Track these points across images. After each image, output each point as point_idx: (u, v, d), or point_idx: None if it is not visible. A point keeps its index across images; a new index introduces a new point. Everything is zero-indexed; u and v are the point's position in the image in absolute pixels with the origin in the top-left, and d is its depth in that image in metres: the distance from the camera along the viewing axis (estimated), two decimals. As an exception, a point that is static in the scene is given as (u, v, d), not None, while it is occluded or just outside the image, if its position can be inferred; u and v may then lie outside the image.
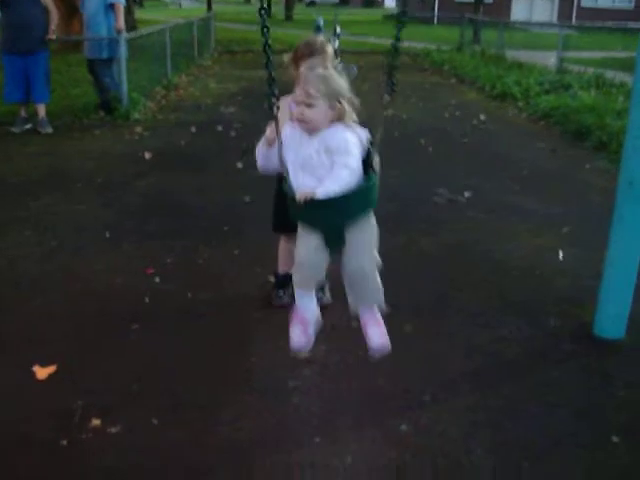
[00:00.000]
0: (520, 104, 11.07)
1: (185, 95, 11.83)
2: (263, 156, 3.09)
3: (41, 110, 8.36)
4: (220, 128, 8.89)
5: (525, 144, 8.42)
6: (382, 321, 2.97)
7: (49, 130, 8.32)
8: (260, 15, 2.85)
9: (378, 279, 2.92)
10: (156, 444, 2.71)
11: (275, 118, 2.88)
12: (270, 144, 3.00)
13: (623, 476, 2.63)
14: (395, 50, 2.88)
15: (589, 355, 3.48)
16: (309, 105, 2.78)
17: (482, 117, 10.09)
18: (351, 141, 2.79)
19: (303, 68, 3.11)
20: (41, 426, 2.81)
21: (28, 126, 8.41)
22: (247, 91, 12.20)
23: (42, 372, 3.19)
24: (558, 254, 4.74)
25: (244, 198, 5.81)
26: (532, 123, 9.93)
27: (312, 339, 2.99)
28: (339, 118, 2.82)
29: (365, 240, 2.88)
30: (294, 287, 3.01)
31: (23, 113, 8.43)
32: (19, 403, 2.99)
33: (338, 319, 3.54)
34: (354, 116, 2.87)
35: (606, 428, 2.87)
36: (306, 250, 2.89)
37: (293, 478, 2.58)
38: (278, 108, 2.87)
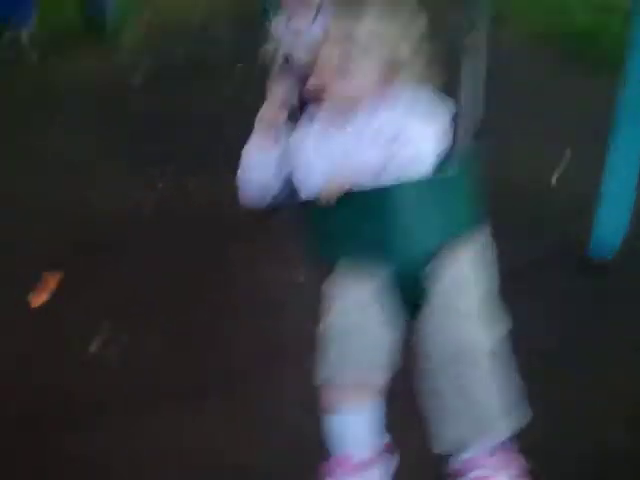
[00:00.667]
0: (520, 19, 10.72)
1: (178, 10, 11.48)
2: (257, 163, 1.90)
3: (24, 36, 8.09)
4: (215, 48, 8.58)
5: (525, 60, 8.15)
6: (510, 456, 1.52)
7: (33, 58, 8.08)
8: None
9: (504, 378, 1.52)
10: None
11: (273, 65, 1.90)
12: (272, 136, 1.84)
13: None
14: None
15: (581, 272, 3.55)
16: (348, 62, 1.65)
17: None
18: (419, 125, 1.70)
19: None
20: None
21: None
22: (244, 6, 11.83)
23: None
24: (555, 172, 4.69)
25: (239, 120, 5.66)
26: (533, 39, 9.62)
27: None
28: (398, 85, 1.72)
29: (472, 287, 1.62)
30: (330, 400, 1.59)
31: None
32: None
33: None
34: (424, 78, 1.76)
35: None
36: (350, 311, 1.55)
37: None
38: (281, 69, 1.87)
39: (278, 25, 3.13)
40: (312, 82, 1.68)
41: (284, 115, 1.81)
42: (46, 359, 2.88)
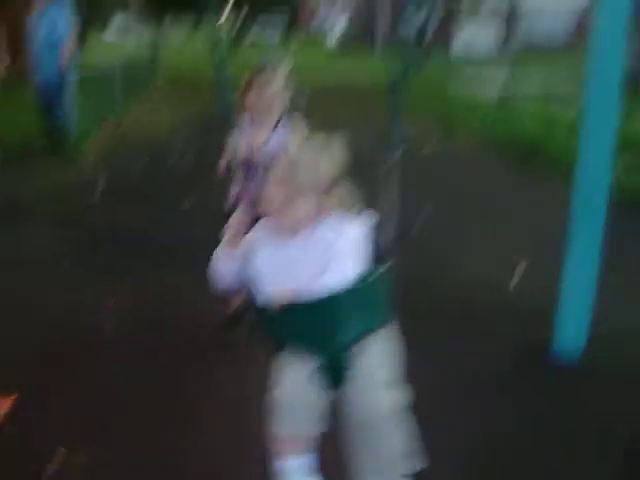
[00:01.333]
0: (469, 125, 11.16)
1: (137, 124, 11.71)
2: (225, 262, 2.22)
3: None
4: (171, 159, 8.77)
5: (476, 166, 8.49)
6: None
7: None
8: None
9: (398, 435, 2.00)
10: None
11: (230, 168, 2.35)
12: (236, 241, 2.18)
13: None
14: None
15: (549, 378, 3.49)
16: (290, 200, 2.02)
17: (432, 138, 10.15)
18: (345, 237, 2.06)
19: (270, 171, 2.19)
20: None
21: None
22: (199, 118, 12.11)
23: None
24: (515, 276, 4.74)
25: (196, 227, 5.71)
26: (482, 144, 10.03)
27: None
28: (329, 210, 2.08)
29: (382, 367, 2.06)
30: (275, 454, 2.14)
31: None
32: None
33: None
34: (348, 201, 2.11)
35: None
36: (292, 385, 2.03)
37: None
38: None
39: (237, 136, 3.23)
40: (261, 210, 2.09)
41: (245, 229, 2.17)
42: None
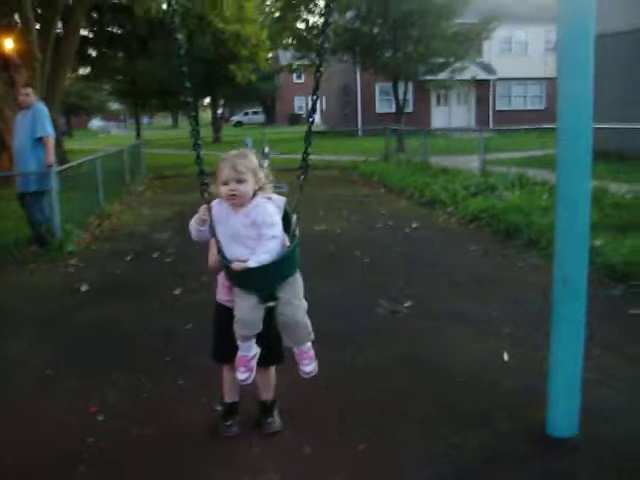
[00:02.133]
0: (449, 209, 11.36)
1: (119, 223, 11.81)
2: (196, 231, 3.49)
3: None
4: (155, 255, 8.86)
5: (458, 248, 8.59)
6: (312, 351, 3.49)
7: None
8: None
9: (308, 322, 3.39)
10: None
11: (207, 200, 3.38)
12: (202, 223, 3.43)
13: None
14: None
15: (545, 456, 3.45)
16: (240, 181, 3.27)
17: (414, 225, 10.31)
18: (273, 213, 3.32)
19: (223, 156, 3.46)
20: None
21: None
22: (179, 215, 12.23)
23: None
24: (502, 356, 4.78)
25: (184, 325, 5.73)
26: (462, 226, 10.18)
27: (254, 369, 3.48)
28: (260, 190, 3.36)
29: (295, 293, 3.36)
30: (236, 339, 3.39)
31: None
32: None
33: (290, 445, 3.48)
34: (270, 186, 3.43)
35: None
36: (245, 309, 3.31)
37: None
38: (209, 193, 3.38)
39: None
40: (226, 190, 3.30)
41: (207, 214, 3.39)
42: None
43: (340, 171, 19.40)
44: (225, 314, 3.52)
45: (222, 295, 3.63)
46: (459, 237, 9.40)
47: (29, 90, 9.10)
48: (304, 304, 3.39)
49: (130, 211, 13.24)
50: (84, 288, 7.22)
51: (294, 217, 3.39)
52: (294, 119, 63.29)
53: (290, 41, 30.60)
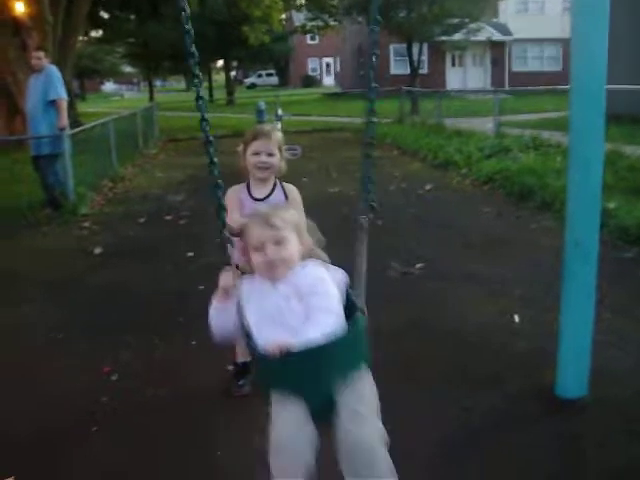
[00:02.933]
0: (463, 171, 11.30)
1: (132, 186, 11.84)
2: (218, 317, 2.46)
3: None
4: (169, 217, 8.89)
5: (471, 210, 8.56)
6: None
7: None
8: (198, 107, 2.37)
9: (388, 456, 2.15)
10: None
11: (228, 260, 2.41)
12: (226, 299, 2.43)
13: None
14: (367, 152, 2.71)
15: (554, 417, 3.47)
16: (278, 242, 2.36)
17: (427, 187, 10.27)
18: (328, 279, 2.39)
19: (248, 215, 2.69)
20: None
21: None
22: (193, 178, 12.25)
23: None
24: (513, 318, 4.78)
25: (198, 287, 5.76)
26: (476, 188, 10.14)
27: None
28: (307, 254, 2.48)
29: (364, 403, 2.23)
30: (272, 475, 2.20)
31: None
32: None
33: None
34: (323, 254, 2.59)
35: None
36: (286, 426, 2.17)
37: None
38: (232, 245, 2.43)
39: (233, 196, 3.35)
40: (260, 259, 2.39)
41: (235, 281, 2.42)
42: None
43: (353, 133, 19.28)
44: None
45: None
46: (472, 199, 9.37)
47: (41, 53, 9.09)
48: (379, 425, 2.22)
49: (143, 174, 13.26)
50: (97, 251, 7.26)
51: (361, 285, 2.58)
52: (308, 81, 62.87)
53: (303, 1, 30.28)
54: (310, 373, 2.18)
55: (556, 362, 3.68)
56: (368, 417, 2.19)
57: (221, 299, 2.44)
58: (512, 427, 3.42)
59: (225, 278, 2.42)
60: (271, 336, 2.22)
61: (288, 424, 2.16)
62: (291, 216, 2.47)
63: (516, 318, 4.78)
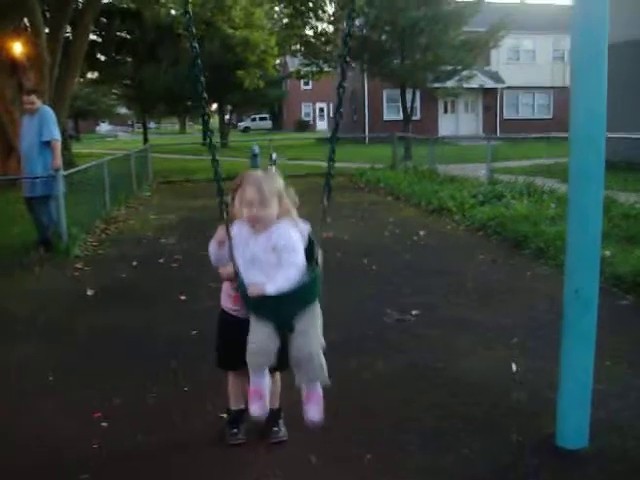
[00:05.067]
0: (457, 217, 11.32)
1: (125, 228, 11.80)
2: (215, 254, 3.31)
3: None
4: (162, 260, 8.83)
5: (466, 256, 8.54)
6: (322, 397, 3.30)
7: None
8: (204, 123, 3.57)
9: (323, 360, 3.20)
10: None
11: (226, 219, 3.18)
12: (221, 244, 3.23)
13: None
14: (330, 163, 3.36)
15: (554, 468, 3.41)
16: (262, 204, 3.08)
17: (421, 233, 10.26)
18: (296, 238, 3.14)
19: (245, 174, 3.29)
20: None
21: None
22: (187, 221, 12.24)
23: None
24: (511, 366, 4.73)
25: (190, 332, 5.70)
26: (470, 235, 10.14)
27: (268, 404, 3.36)
28: (284, 214, 3.17)
29: (313, 326, 3.18)
30: (249, 368, 3.27)
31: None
32: None
33: (296, 455, 3.44)
34: (295, 212, 3.24)
35: None
36: (259, 337, 3.17)
37: None
38: (227, 212, 3.19)
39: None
40: (248, 214, 3.14)
41: (225, 234, 3.23)
42: None
43: (347, 178, 19.36)
44: (230, 321, 3.53)
45: (227, 303, 3.61)
46: (467, 245, 9.36)
47: (33, 97, 9.09)
48: (321, 339, 3.21)
49: (136, 216, 13.23)
50: (90, 292, 7.20)
51: (317, 246, 3.23)
52: (301, 125, 63.36)
53: (298, 47, 30.68)
54: (278, 309, 3.11)
55: (556, 412, 3.63)
56: (313, 336, 3.16)
57: (217, 244, 3.26)
58: (511, 478, 3.36)
59: (220, 232, 3.23)
60: (252, 277, 3.14)
61: (261, 335, 3.16)
62: (277, 184, 3.18)
63: (514, 367, 4.73)
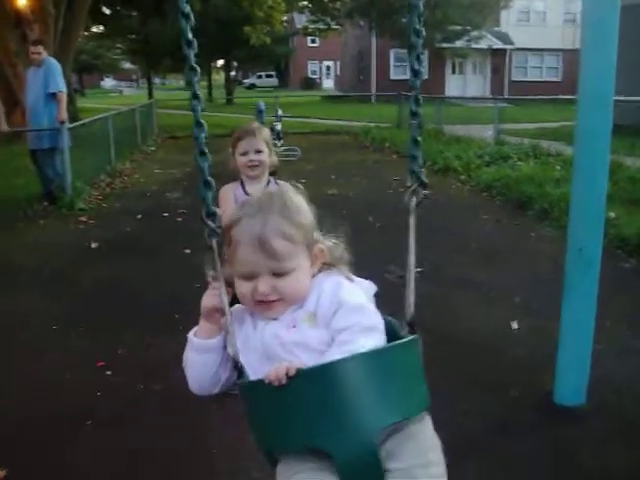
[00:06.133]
0: (462, 177, 11.29)
1: (130, 182, 11.80)
2: (198, 357, 1.72)
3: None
4: (166, 214, 8.84)
5: (470, 216, 8.54)
6: None
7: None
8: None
9: None
10: None
11: (216, 271, 1.75)
12: (212, 321, 1.71)
13: None
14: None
15: (552, 425, 3.45)
16: (279, 274, 1.58)
17: (426, 192, 10.22)
18: (358, 293, 1.67)
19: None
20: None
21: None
22: (191, 175, 12.19)
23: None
24: (512, 325, 4.76)
25: (194, 284, 5.72)
26: (475, 195, 10.12)
27: None
28: (323, 265, 1.70)
29: (425, 459, 1.55)
30: None
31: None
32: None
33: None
34: (344, 257, 1.76)
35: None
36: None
37: None
38: (221, 259, 1.76)
39: (227, 191, 3.35)
40: (251, 295, 1.61)
41: (222, 304, 1.68)
42: None
43: (353, 136, 19.27)
44: None
45: None
46: (471, 205, 9.35)
47: (40, 47, 9.04)
48: None
49: (141, 170, 13.22)
50: (94, 245, 7.22)
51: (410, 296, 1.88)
52: (307, 83, 62.88)
53: (306, 3, 30.31)
54: (331, 405, 1.41)
55: (555, 370, 3.67)
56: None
57: (203, 331, 1.71)
58: (510, 433, 3.40)
59: (210, 298, 1.71)
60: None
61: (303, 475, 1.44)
62: (303, 221, 1.63)
63: (515, 325, 4.76)
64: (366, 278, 1.80)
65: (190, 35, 1.74)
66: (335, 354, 1.45)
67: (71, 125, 9.80)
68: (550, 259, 6.19)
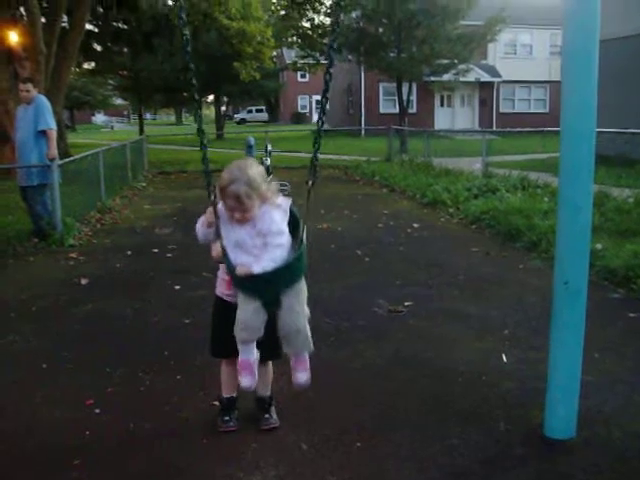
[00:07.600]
0: (451, 210, 11.36)
1: (120, 218, 11.80)
2: (203, 234, 3.46)
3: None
4: (156, 250, 8.85)
5: (459, 249, 8.58)
6: (308, 362, 3.52)
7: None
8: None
9: (309, 331, 3.39)
10: None
11: (213, 203, 3.31)
12: (209, 226, 3.38)
13: None
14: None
15: (542, 458, 3.44)
16: (243, 210, 3.21)
17: (415, 225, 10.30)
18: (280, 221, 3.30)
19: (224, 173, 3.28)
20: None
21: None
22: (181, 211, 12.25)
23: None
24: (501, 357, 4.77)
25: (183, 320, 5.73)
26: (464, 228, 10.18)
27: (256, 375, 3.49)
28: (265, 201, 3.28)
29: (299, 302, 3.34)
30: (237, 343, 3.39)
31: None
32: None
33: (287, 442, 3.48)
34: (275, 194, 3.33)
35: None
36: (247, 314, 3.31)
37: None
38: (215, 196, 3.28)
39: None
40: (233, 217, 3.28)
41: (213, 217, 3.36)
42: None
43: (342, 170, 19.38)
44: (224, 307, 3.55)
45: (222, 288, 3.65)
46: (460, 238, 9.39)
47: (29, 85, 9.07)
48: (306, 312, 3.37)
49: (131, 206, 13.23)
50: (83, 282, 7.21)
51: (302, 223, 3.39)
52: (297, 118, 63.27)
53: (295, 39, 30.60)
54: (264, 288, 3.25)
55: (544, 402, 3.67)
56: (299, 312, 3.31)
57: (206, 225, 3.40)
58: (499, 467, 3.38)
59: (209, 215, 3.37)
60: (238, 258, 3.28)
61: (249, 311, 3.28)
62: (254, 181, 3.20)
63: (504, 358, 4.77)
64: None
65: (192, 65, 3.28)
66: (265, 258, 3.24)
67: (61, 161, 9.83)
68: (538, 291, 6.22)
